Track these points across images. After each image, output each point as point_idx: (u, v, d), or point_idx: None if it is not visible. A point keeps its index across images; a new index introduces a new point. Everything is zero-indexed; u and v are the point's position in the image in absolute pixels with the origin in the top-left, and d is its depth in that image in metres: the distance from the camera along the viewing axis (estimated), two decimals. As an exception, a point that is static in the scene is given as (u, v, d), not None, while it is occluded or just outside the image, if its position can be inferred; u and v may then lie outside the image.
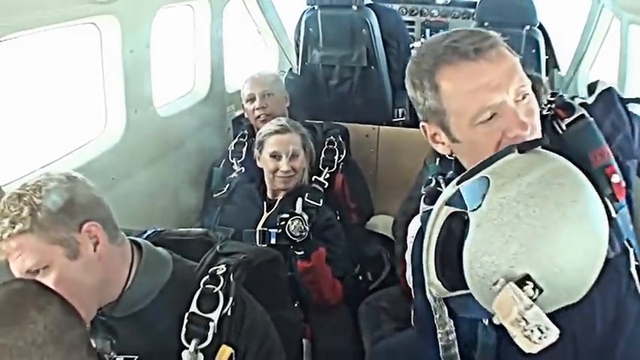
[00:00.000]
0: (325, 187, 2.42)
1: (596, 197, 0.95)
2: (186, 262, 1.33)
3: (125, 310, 1.24)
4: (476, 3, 3.39)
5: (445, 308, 1.09)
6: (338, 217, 2.38)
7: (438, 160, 2.24)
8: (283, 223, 2.07)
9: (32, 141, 2.95)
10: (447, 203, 1.01)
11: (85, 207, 1.19)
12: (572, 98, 1.18)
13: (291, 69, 3.47)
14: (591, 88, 1.21)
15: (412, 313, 1.30)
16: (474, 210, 0.94)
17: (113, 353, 1.22)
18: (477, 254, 0.93)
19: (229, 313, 1.22)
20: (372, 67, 3.15)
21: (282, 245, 2.05)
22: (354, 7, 3.07)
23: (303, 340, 1.92)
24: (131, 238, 1.31)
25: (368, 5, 3.14)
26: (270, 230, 2.15)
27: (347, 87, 3.22)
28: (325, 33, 3.14)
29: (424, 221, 1.12)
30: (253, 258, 1.35)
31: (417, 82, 1.09)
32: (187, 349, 1.19)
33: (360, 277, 2.47)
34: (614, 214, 1.05)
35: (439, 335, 1.12)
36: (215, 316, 1.21)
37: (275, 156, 2.27)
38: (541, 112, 1.10)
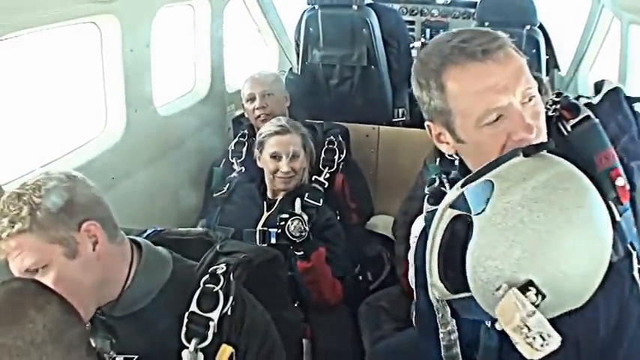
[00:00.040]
0: (325, 186, 2.42)
1: (601, 202, 0.94)
2: (186, 262, 1.33)
3: (125, 310, 1.23)
4: (476, 3, 3.40)
5: (448, 308, 1.09)
6: (338, 217, 2.38)
7: (438, 160, 2.23)
8: (283, 223, 2.07)
9: (32, 140, 2.95)
10: (451, 206, 1.00)
11: (84, 206, 1.19)
12: (578, 98, 1.17)
13: (291, 69, 3.47)
14: (597, 86, 1.19)
15: (414, 313, 1.30)
16: (478, 214, 0.94)
17: (113, 353, 1.22)
18: (481, 259, 0.92)
19: (229, 313, 1.22)
20: (373, 66, 3.15)
21: (282, 245, 2.04)
22: (355, 7, 3.07)
23: (303, 340, 1.92)
24: (131, 237, 1.31)
25: (368, 5, 3.14)
26: (270, 230, 2.15)
27: (347, 87, 3.22)
28: (325, 33, 3.14)
29: (428, 221, 1.11)
30: (253, 257, 1.34)
31: (423, 82, 1.08)
32: (187, 348, 1.19)
33: (360, 277, 2.47)
34: (618, 218, 1.03)
35: (441, 335, 1.12)
36: (215, 315, 1.20)
37: (275, 157, 2.26)
38: (546, 113, 1.09)
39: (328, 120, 2.80)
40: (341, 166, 2.55)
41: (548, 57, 3.40)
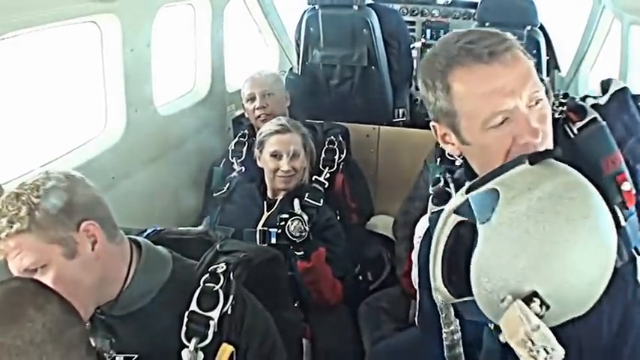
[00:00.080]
0: (325, 186, 2.42)
1: (607, 210, 0.93)
2: (186, 261, 1.33)
3: (124, 309, 1.23)
4: (477, 3, 3.40)
5: (451, 309, 1.09)
6: (338, 217, 2.37)
7: (438, 160, 2.23)
8: (283, 223, 2.07)
9: (32, 139, 2.95)
10: (455, 212, 1.00)
11: (83, 206, 1.18)
12: (585, 98, 1.15)
13: (291, 69, 3.47)
14: (604, 85, 1.18)
15: (417, 312, 1.29)
16: (483, 222, 0.93)
17: (113, 352, 1.22)
18: (485, 268, 0.92)
19: (229, 312, 1.22)
20: (373, 67, 3.15)
21: (282, 245, 2.04)
22: (355, 7, 3.06)
23: (303, 340, 1.92)
24: (131, 237, 1.31)
25: (369, 5, 3.14)
26: (270, 230, 2.15)
27: (347, 87, 3.22)
28: (326, 33, 3.14)
29: (432, 222, 1.11)
30: (253, 257, 1.34)
31: (429, 82, 1.07)
32: (187, 347, 1.18)
33: (360, 278, 2.47)
34: (623, 223, 1.02)
35: (444, 335, 1.12)
36: (215, 314, 1.20)
37: (276, 155, 2.26)
38: (552, 114, 1.07)
39: (328, 120, 2.80)
40: (341, 166, 2.54)
41: (548, 58, 3.40)
